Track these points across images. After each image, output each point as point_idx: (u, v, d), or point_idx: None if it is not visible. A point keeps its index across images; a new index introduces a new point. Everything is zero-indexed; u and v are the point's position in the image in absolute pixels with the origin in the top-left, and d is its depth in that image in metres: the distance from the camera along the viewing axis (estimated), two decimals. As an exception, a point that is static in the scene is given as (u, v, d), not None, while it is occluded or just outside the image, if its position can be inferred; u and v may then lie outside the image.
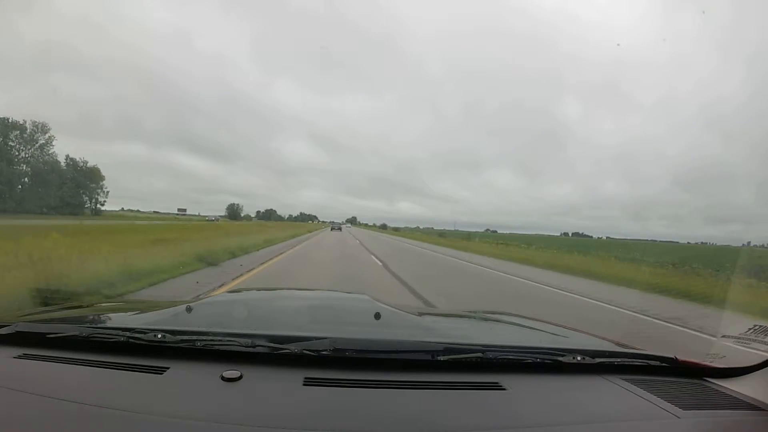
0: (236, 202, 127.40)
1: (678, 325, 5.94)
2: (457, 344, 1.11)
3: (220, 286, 6.81)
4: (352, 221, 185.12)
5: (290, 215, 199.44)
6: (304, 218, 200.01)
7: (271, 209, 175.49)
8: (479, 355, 1.06)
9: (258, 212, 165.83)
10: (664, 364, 1.17)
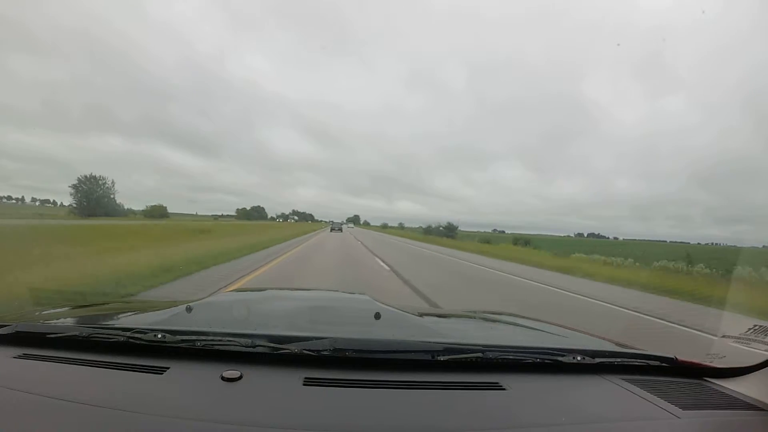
0: (98, 175, 57.30)
1: None
2: (457, 344, 1.11)
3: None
4: (355, 221, 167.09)
5: (282, 213, 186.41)
6: (298, 217, 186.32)
7: (260, 206, 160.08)
8: (479, 355, 1.07)
9: (243, 209, 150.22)
10: (664, 364, 1.17)
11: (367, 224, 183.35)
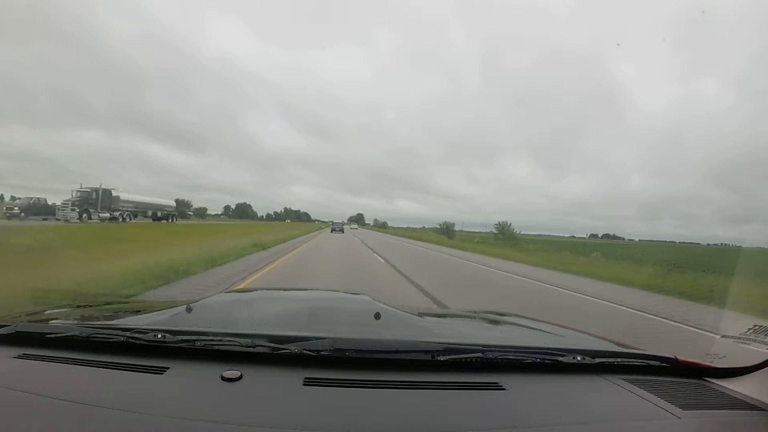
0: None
1: None
2: (456, 344, 1.11)
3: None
4: (358, 220, 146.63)
5: (275, 212, 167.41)
6: (290, 216, 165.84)
7: (247, 204, 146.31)
8: (479, 355, 1.07)
9: (227, 207, 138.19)
10: (664, 364, 1.17)
11: (384, 225, 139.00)
